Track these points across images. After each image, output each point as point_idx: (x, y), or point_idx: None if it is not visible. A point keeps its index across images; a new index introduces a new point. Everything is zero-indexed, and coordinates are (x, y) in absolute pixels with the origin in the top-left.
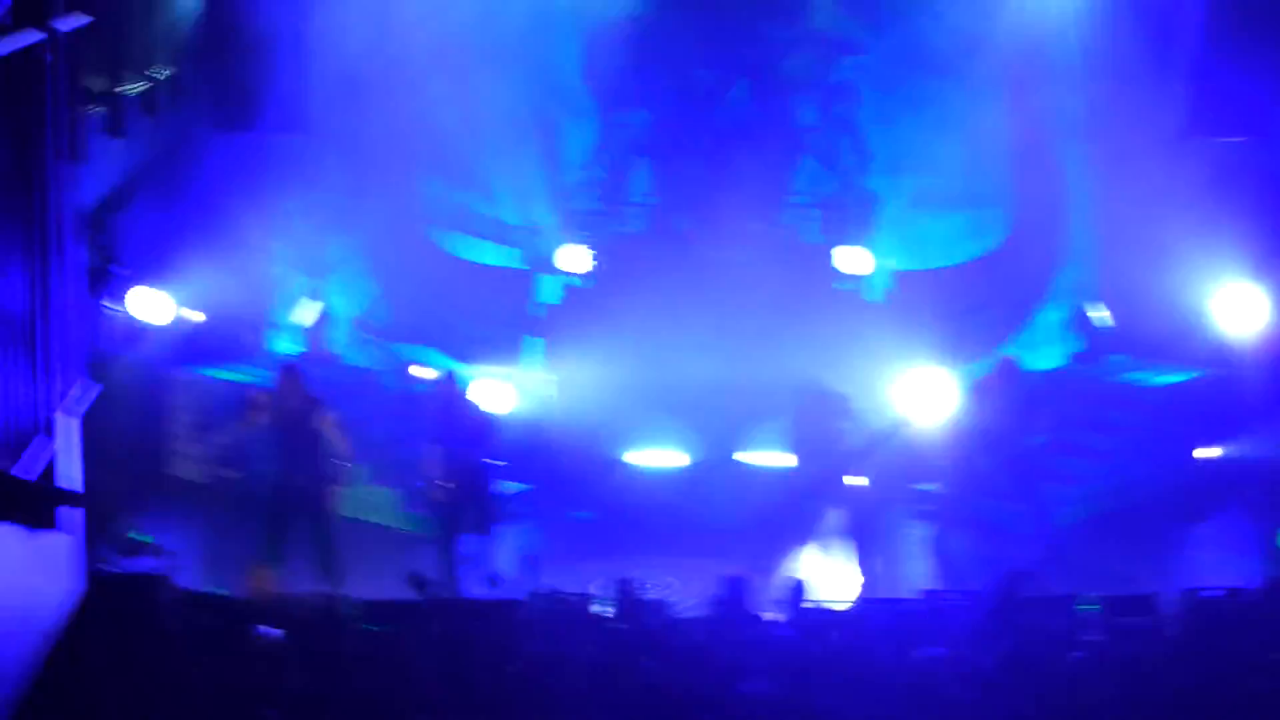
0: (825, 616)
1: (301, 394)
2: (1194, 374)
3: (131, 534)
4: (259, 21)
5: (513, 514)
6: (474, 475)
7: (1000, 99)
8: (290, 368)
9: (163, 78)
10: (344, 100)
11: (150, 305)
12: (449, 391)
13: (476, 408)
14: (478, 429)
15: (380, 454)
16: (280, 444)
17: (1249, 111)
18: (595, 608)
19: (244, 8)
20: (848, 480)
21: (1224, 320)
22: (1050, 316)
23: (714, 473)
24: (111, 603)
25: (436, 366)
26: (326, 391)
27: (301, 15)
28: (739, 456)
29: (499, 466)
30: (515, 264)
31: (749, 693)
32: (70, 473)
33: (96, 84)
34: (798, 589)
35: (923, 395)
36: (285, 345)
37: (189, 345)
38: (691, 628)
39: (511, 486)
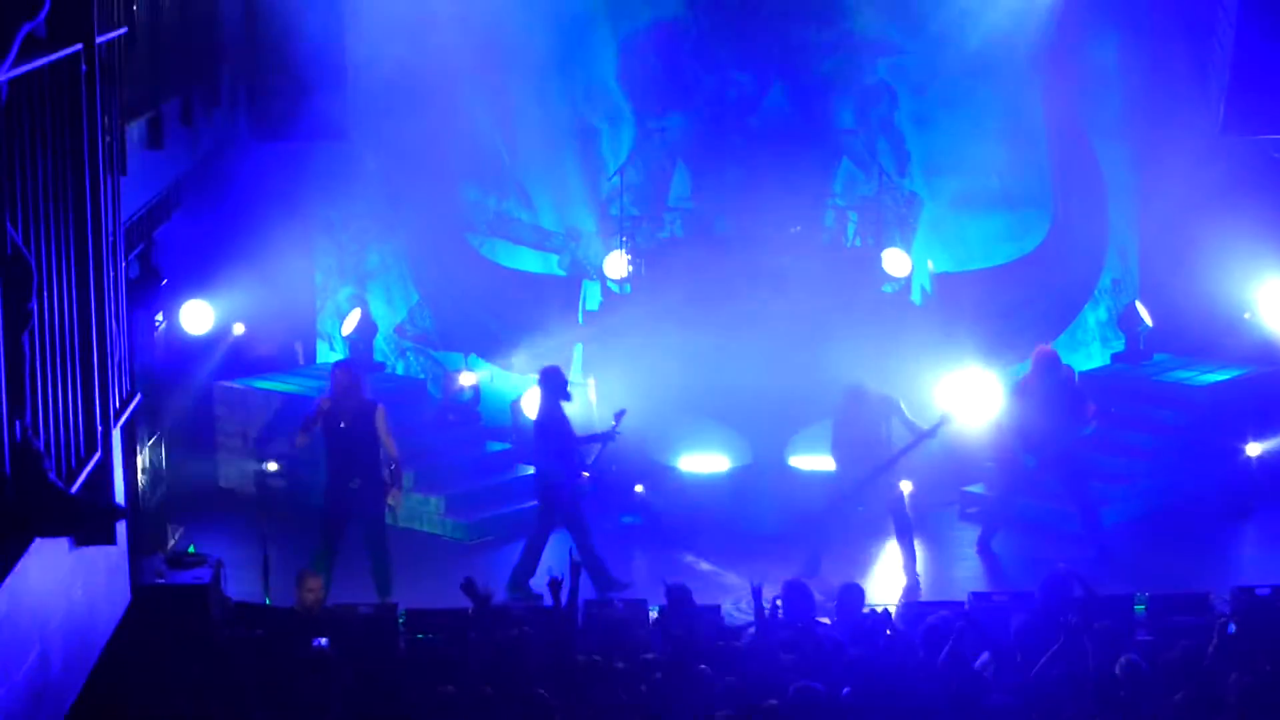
0: (875, 620)
1: (357, 393)
2: (1238, 372)
3: (178, 545)
4: (297, 30)
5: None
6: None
7: (1038, 98)
8: (345, 367)
9: (201, 88)
10: (383, 107)
11: (194, 316)
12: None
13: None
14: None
15: (423, 462)
16: (336, 445)
17: None
18: (646, 613)
19: (282, 16)
20: (895, 483)
21: (1267, 317)
22: (1093, 316)
23: (762, 477)
24: (160, 615)
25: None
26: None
27: (340, 23)
28: (787, 460)
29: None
30: (555, 270)
31: (802, 695)
32: (118, 485)
33: (135, 96)
34: (849, 593)
35: (967, 396)
36: (328, 354)
37: (232, 355)
38: (743, 632)
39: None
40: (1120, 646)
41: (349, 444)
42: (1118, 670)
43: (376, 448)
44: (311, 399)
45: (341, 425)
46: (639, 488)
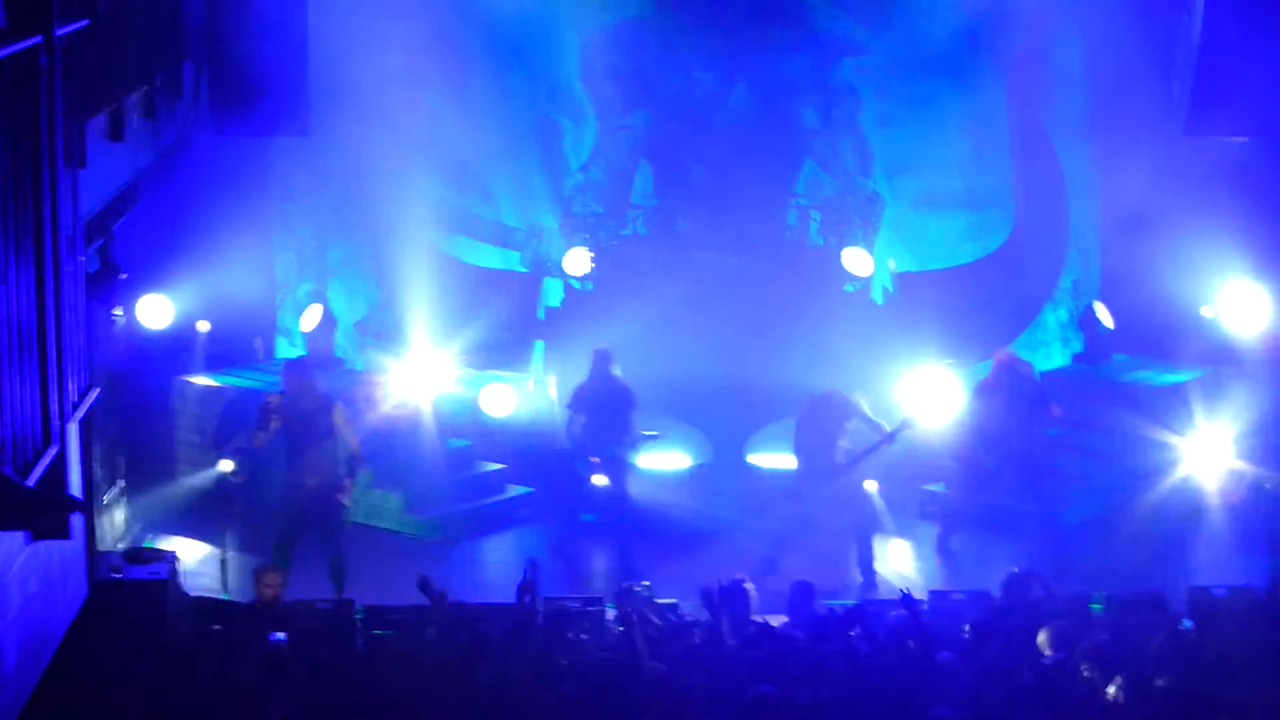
0: (833, 618)
1: (311, 391)
2: (1198, 373)
3: (135, 541)
4: (260, 24)
5: (519, 518)
6: None
7: (1001, 99)
8: (298, 364)
9: (163, 81)
10: (345, 103)
11: (152, 311)
12: None
13: None
14: None
15: (383, 459)
16: (293, 443)
17: (1250, 110)
18: (600, 610)
19: (245, 10)
20: (858, 483)
21: (1227, 319)
22: (1053, 316)
23: (722, 474)
24: (116, 610)
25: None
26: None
27: (303, 18)
28: (746, 458)
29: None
30: (516, 266)
31: (756, 695)
32: (74, 479)
33: (95, 88)
34: (805, 590)
35: (928, 395)
36: (287, 349)
37: (191, 350)
38: (698, 630)
39: (517, 490)
40: (1076, 646)
41: (307, 441)
42: (1075, 668)
43: (334, 444)
44: (263, 393)
45: (297, 424)
46: (594, 459)
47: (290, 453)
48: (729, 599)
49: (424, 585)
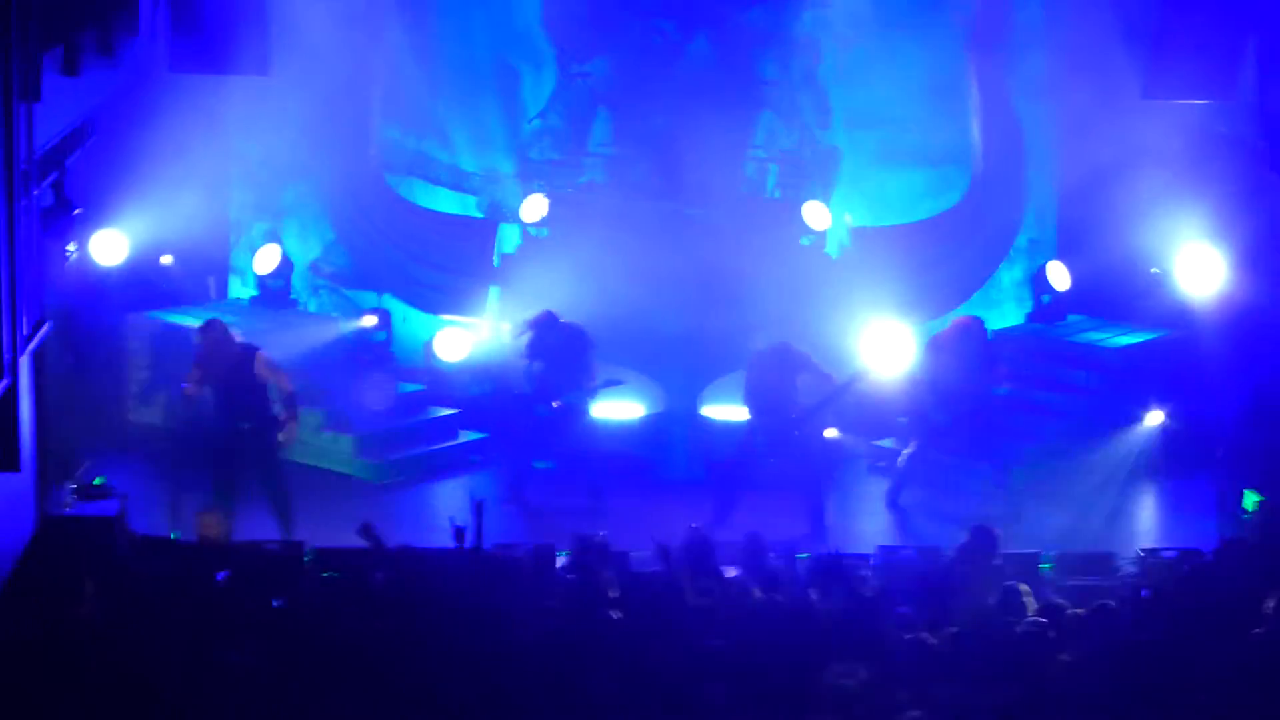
0: (783, 570)
1: (227, 347)
2: (1152, 335)
3: (85, 477)
4: None
5: (471, 463)
6: None
7: (962, 56)
8: (208, 326)
9: (119, 16)
10: (304, 43)
11: (106, 246)
12: None
13: None
14: None
15: (334, 401)
16: (220, 392)
17: (1209, 74)
18: (553, 558)
19: None
20: (807, 434)
21: (1183, 281)
22: (1009, 274)
23: (674, 424)
24: (66, 545)
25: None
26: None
27: None
28: (699, 409)
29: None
30: (472, 212)
31: (708, 646)
32: (25, 413)
33: (51, 22)
34: (756, 542)
35: (882, 350)
36: (240, 289)
37: (144, 288)
38: (650, 580)
39: (470, 435)
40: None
41: (234, 388)
42: (1021, 630)
43: (263, 389)
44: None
45: (219, 380)
46: (555, 403)
47: (217, 406)
48: (692, 552)
49: (365, 531)
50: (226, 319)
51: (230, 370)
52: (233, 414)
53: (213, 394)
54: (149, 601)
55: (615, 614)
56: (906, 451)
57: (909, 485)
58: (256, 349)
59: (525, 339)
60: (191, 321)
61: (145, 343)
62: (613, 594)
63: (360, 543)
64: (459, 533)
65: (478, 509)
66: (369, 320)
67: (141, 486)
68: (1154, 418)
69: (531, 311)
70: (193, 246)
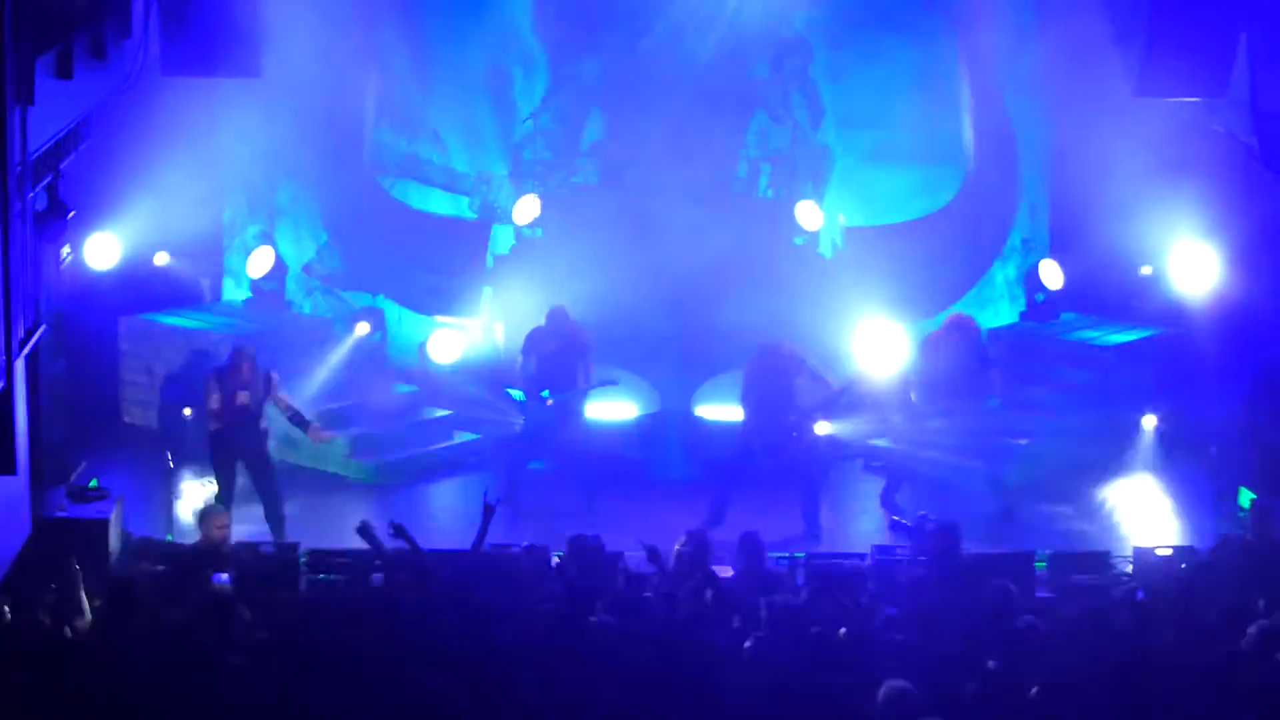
0: (777, 570)
1: (252, 374)
2: (1146, 333)
3: (80, 479)
4: None
5: (465, 465)
6: None
7: (954, 54)
8: (243, 350)
9: (112, 20)
10: (297, 45)
11: (99, 249)
12: None
13: None
14: None
15: (329, 403)
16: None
17: (1201, 71)
18: (547, 558)
19: None
20: (805, 434)
21: (1176, 279)
22: (1002, 273)
23: (669, 425)
24: (61, 548)
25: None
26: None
27: None
28: (694, 409)
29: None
30: (465, 213)
31: (703, 643)
32: (19, 415)
33: (45, 26)
34: (751, 542)
35: (875, 350)
36: (233, 291)
37: (137, 290)
38: (645, 580)
39: (465, 436)
40: (1019, 605)
41: (246, 409)
42: (1016, 626)
43: (262, 403)
44: (210, 334)
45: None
46: (547, 397)
47: (228, 414)
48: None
49: (364, 530)
50: (221, 321)
51: (250, 396)
52: (241, 427)
53: (225, 408)
54: (146, 604)
55: (608, 616)
56: (902, 451)
57: (903, 485)
58: (272, 375)
59: (524, 340)
60: (185, 324)
61: (140, 345)
62: (606, 595)
63: (356, 544)
64: (488, 509)
65: (487, 510)
66: (363, 328)
67: (137, 488)
68: (1148, 415)
69: (530, 312)
70: (186, 249)
